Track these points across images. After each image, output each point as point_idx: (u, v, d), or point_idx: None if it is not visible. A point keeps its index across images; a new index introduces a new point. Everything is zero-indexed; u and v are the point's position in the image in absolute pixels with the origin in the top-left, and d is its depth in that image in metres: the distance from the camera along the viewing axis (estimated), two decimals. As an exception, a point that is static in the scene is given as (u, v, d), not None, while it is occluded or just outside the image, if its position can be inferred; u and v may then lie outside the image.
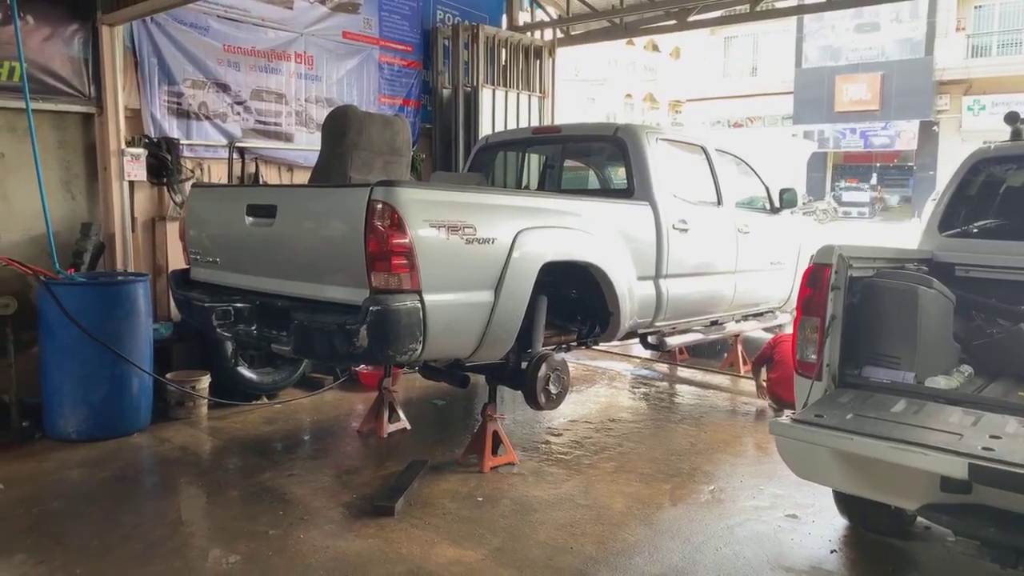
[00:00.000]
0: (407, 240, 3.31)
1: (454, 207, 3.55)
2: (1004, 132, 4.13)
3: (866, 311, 2.89)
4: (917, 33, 28.80)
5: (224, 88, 5.97)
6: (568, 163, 5.66)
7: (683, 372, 7.08)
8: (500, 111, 7.63)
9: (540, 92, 8.19)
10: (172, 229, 5.70)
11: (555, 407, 4.30)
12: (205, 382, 5.38)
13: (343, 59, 6.81)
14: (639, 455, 4.72)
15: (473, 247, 3.57)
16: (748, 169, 6.35)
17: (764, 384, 5.82)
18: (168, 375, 5.34)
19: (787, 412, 3.00)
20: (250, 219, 3.87)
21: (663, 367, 7.19)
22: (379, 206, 3.28)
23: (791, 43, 32.07)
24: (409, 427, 5.13)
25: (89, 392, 4.72)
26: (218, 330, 3.99)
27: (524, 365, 4.14)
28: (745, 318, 6.25)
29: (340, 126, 3.99)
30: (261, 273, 3.89)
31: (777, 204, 6.42)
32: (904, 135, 29.40)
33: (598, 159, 5.67)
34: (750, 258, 5.93)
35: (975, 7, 28.52)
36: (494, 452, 4.40)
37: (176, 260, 5.59)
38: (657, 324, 5.07)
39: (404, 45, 7.37)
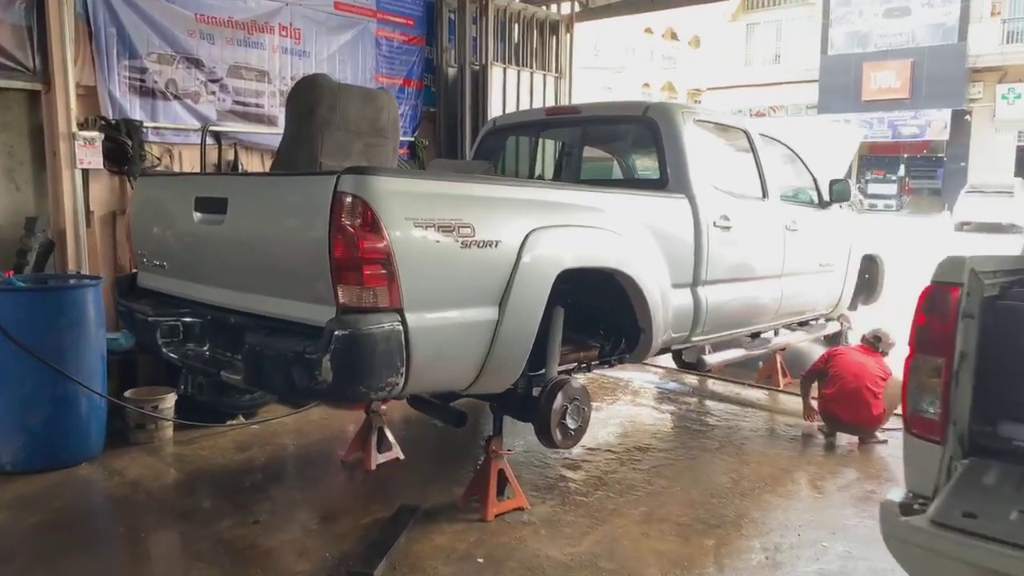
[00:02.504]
0: (384, 244, 2.56)
1: (447, 201, 2.80)
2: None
3: (999, 343, 2.11)
4: (950, 18, 27.59)
5: (196, 64, 5.24)
6: (589, 150, 4.88)
7: (714, 385, 6.29)
8: (512, 92, 6.85)
9: (556, 72, 7.40)
10: (136, 224, 5.00)
11: (573, 445, 3.55)
12: (170, 400, 4.67)
13: (335, 33, 6.06)
14: (673, 496, 3.96)
15: (471, 252, 2.82)
16: (794, 157, 5.55)
17: (813, 403, 5.03)
18: (128, 392, 4.64)
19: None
20: (198, 215, 3.14)
21: (691, 379, 6.39)
22: (348, 200, 2.54)
23: (816, 29, 30.94)
24: (402, 456, 4.40)
25: (27, 416, 4.03)
26: (164, 350, 3.28)
27: (536, 392, 3.39)
28: (791, 328, 5.46)
29: (308, 100, 3.24)
30: (212, 282, 3.17)
31: (827, 197, 5.62)
32: (935, 125, 28.24)
33: (624, 144, 4.89)
34: (798, 259, 5.14)
35: (1010, -10, 27.29)
36: (500, 494, 3.66)
37: (140, 260, 4.89)
38: (694, 339, 4.29)
39: (405, 19, 6.60)
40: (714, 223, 4.25)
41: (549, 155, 5.31)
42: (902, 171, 30.05)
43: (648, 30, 35.27)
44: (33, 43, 4.53)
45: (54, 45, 4.52)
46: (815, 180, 5.66)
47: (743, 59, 33.96)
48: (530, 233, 3.01)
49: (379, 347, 2.58)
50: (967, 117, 27.45)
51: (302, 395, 2.98)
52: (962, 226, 21.76)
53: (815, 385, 5.02)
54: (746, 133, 4.96)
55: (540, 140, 5.01)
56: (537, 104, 7.10)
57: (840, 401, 4.65)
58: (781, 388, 6.03)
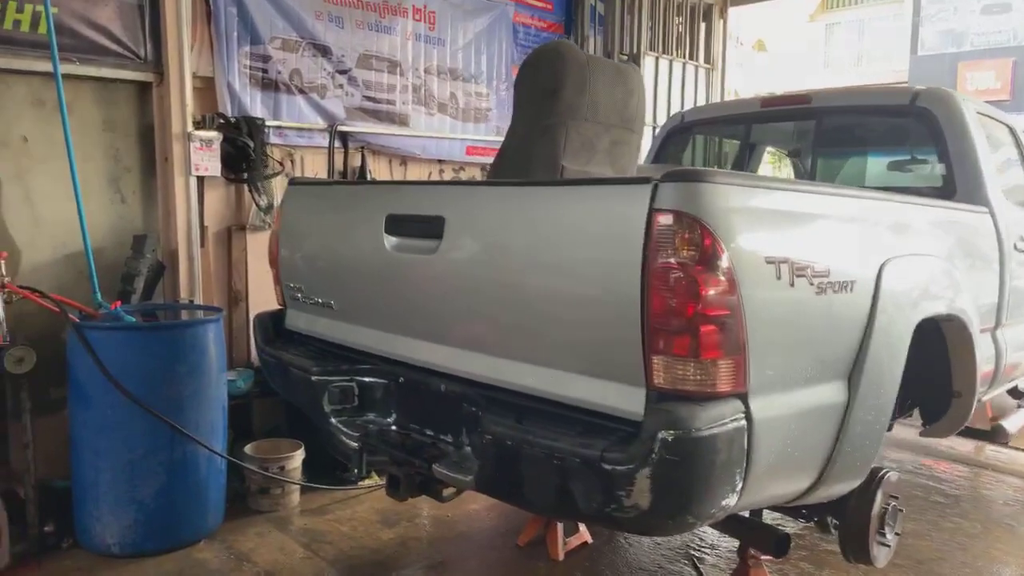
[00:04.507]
0: (732, 292, 1.62)
1: (797, 223, 1.85)
2: None
3: None
4: (1057, 13, 25.61)
5: (323, 51, 4.41)
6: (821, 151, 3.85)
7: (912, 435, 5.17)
8: (663, 85, 5.90)
9: (707, 63, 6.41)
10: (254, 242, 4.19)
11: (885, 563, 2.54)
12: (298, 459, 3.83)
13: (470, 17, 5.18)
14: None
15: (827, 299, 1.87)
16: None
17: None
18: (248, 448, 3.81)
19: None
20: (393, 240, 2.25)
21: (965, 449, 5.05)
22: (677, 222, 1.61)
23: (903, 28, 29.21)
24: (590, 540, 3.47)
25: (137, 485, 3.22)
26: (333, 419, 2.40)
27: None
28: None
29: (550, 77, 2.28)
30: (410, 332, 2.26)
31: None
32: (1037, 127, 26.25)
33: (878, 142, 3.85)
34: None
35: (1125, -18, 25.18)
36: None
37: (259, 284, 4.08)
38: (985, 399, 3.26)
39: (543, 1, 5.70)
40: (1015, 245, 3.22)
41: (762, 158, 4.32)
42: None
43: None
44: (145, 26, 3.74)
45: (169, 28, 3.73)
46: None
47: (821, 62, 32.37)
48: (884, 266, 2.04)
49: (720, 456, 1.63)
50: (1074, 120, 25.46)
51: (585, 519, 2.06)
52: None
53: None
54: (1011, 130, 3.91)
55: (749, 139, 4.02)
56: (689, 99, 6.13)
57: None
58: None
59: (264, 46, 4.15)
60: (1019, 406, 3.65)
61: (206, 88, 3.98)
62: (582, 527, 3.49)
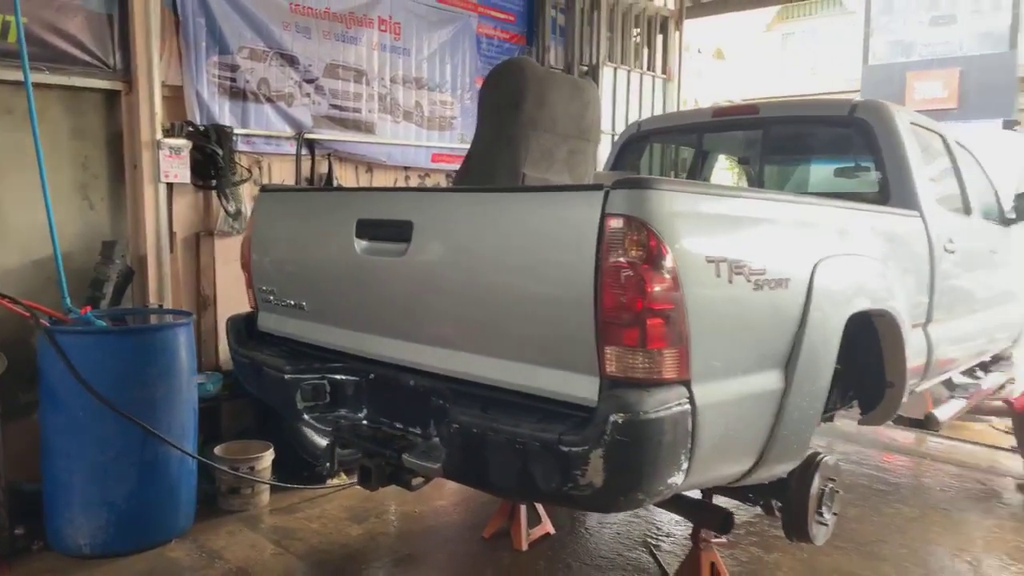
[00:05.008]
0: (676, 288, 1.79)
1: (736, 225, 2.03)
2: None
3: None
4: (999, 26, 26.66)
5: (291, 61, 4.51)
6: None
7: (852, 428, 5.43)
8: (622, 95, 6.10)
9: (664, 73, 6.64)
10: (222, 247, 4.27)
11: (824, 540, 2.73)
12: (267, 459, 3.92)
13: (435, 28, 5.33)
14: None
15: (763, 295, 2.05)
16: (979, 167, 4.76)
17: None
18: (218, 449, 3.88)
19: None
20: (363, 243, 2.38)
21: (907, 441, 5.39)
22: (625, 225, 1.77)
23: (855, 40, 30.12)
24: (553, 531, 3.62)
25: (109, 487, 3.28)
26: (306, 416, 2.51)
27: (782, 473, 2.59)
28: (985, 368, 4.64)
29: (512, 91, 2.44)
30: (380, 330, 2.39)
31: (1010, 213, 4.81)
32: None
33: (819, 151, 4.09)
34: (998, 286, 4.37)
35: (1062, -3, 26.36)
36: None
37: (227, 289, 4.16)
38: (918, 390, 3.48)
39: (506, 14, 5.87)
40: (944, 247, 3.46)
41: (718, 166, 4.53)
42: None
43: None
44: (114, 35, 3.81)
45: (138, 37, 3.81)
46: (996, 193, 4.87)
47: (777, 70, 33.16)
48: (817, 265, 2.23)
49: (666, 437, 1.79)
50: (1016, 128, 26.45)
51: (544, 498, 2.20)
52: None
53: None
54: (943, 138, 4.18)
55: (700, 147, 4.23)
56: (647, 109, 6.34)
57: None
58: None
59: (232, 56, 4.24)
60: (951, 397, 3.91)
61: (175, 97, 4.05)
62: (545, 519, 3.64)
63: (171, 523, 3.48)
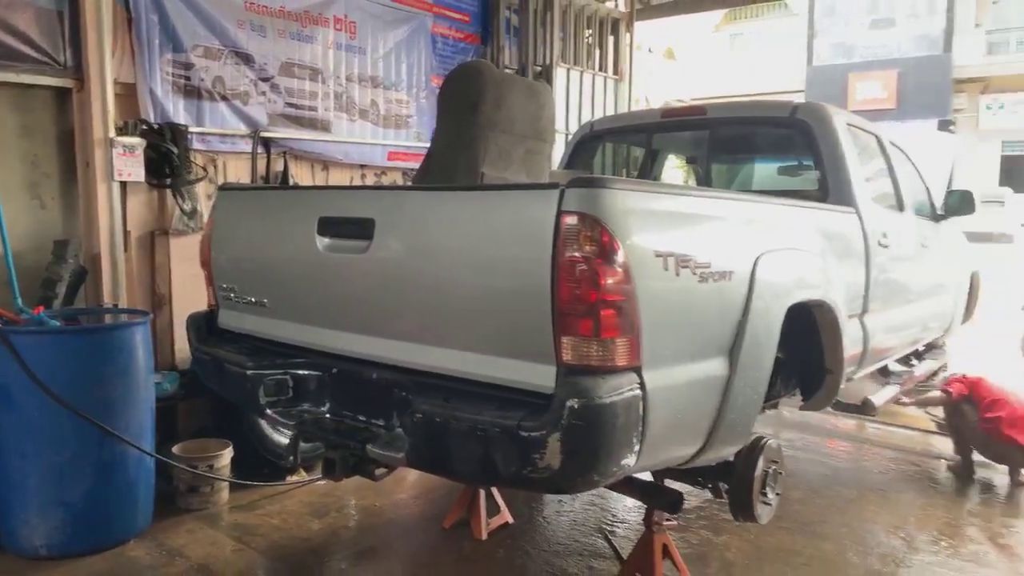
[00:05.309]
0: (627, 281, 1.90)
1: (684, 222, 2.16)
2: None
3: None
4: (935, 29, 27.75)
5: (246, 59, 4.51)
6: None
7: (795, 415, 5.67)
8: (575, 95, 6.23)
9: (615, 74, 6.80)
10: (178, 246, 4.25)
11: (768, 519, 2.89)
12: (226, 457, 3.92)
13: (390, 28, 5.37)
14: (853, 567, 3.34)
15: (708, 287, 2.18)
16: (912, 165, 5.02)
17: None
18: (176, 448, 3.88)
19: None
20: (325, 240, 2.43)
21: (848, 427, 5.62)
22: (580, 222, 1.87)
23: (800, 41, 30.97)
24: (511, 520, 3.72)
25: (66, 487, 3.26)
26: (269, 411, 2.55)
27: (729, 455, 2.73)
28: (919, 356, 4.91)
29: (470, 93, 2.53)
30: (342, 325, 2.46)
31: (940, 210, 5.09)
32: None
33: (762, 151, 4.27)
34: (930, 279, 4.64)
35: (992, 2, 27.53)
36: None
37: (183, 288, 4.15)
38: (855, 377, 3.69)
39: (461, 14, 5.94)
40: (879, 242, 3.67)
41: (667, 165, 4.68)
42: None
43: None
44: (64, 31, 3.76)
45: (90, 34, 3.77)
46: (928, 190, 5.15)
47: (726, 70, 33.88)
48: (759, 259, 2.37)
49: (619, 420, 1.90)
50: (951, 128, 27.55)
51: (504, 482, 2.28)
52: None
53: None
54: (878, 138, 4.41)
55: (651, 147, 4.37)
56: (599, 108, 6.49)
57: (1018, 425, 4.16)
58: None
59: (186, 54, 4.23)
60: (886, 383, 4.14)
61: (128, 95, 4.02)
62: (504, 509, 3.74)
63: (130, 522, 3.47)
